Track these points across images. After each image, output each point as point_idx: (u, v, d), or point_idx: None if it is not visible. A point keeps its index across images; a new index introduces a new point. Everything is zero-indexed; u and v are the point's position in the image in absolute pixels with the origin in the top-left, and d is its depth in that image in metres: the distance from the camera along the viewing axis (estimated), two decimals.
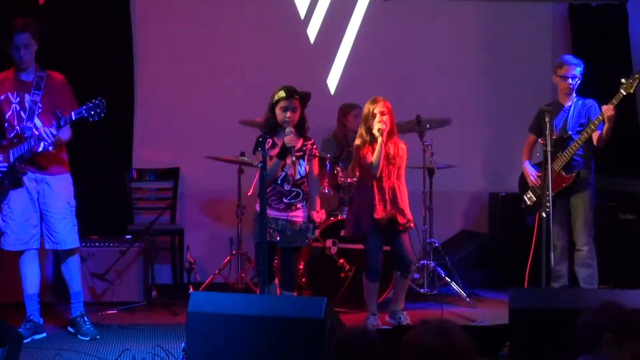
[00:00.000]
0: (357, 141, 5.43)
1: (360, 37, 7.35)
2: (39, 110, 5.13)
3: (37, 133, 5.03)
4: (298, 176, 5.06)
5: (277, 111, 4.98)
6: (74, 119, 4.96)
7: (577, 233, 5.71)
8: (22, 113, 5.13)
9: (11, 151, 5.10)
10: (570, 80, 5.69)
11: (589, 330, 2.83)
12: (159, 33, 7.13)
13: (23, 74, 5.19)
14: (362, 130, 5.42)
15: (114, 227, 6.62)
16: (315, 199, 5.18)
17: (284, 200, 5.07)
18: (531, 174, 5.79)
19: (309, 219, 5.14)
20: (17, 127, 5.13)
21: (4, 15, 6.59)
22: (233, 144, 6.17)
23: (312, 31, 7.32)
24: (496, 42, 7.56)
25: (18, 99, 5.15)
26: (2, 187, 5.14)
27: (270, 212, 4.98)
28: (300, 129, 5.05)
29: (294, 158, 5.00)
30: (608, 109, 5.43)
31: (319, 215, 5.18)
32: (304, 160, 5.08)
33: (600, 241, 5.82)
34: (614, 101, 5.45)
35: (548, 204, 5.06)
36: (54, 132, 4.95)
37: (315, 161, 5.18)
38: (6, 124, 5.18)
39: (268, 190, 4.94)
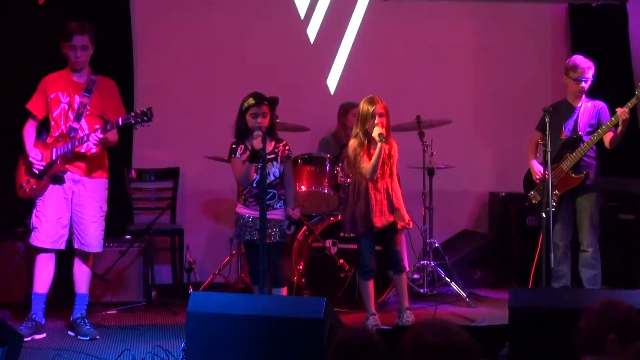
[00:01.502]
0: (353, 142, 5.40)
1: (360, 37, 7.35)
2: (87, 113, 5.21)
3: (81, 134, 5.11)
4: (272, 177, 5.11)
5: (248, 118, 5.06)
6: (120, 124, 5.07)
7: (583, 234, 5.68)
8: (69, 113, 5.20)
9: (54, 149, 5.17)
10: (584, 83, 5.66)
11: (592, 332, 2.78)
12: (158, 33, 7.14)
13: (76, 75, 5.27)
14: (358, 131, 5.39)
15: (113, 227, 6.60)
16: (291, 198, 5.23)
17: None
18: (537, 170, 5.75)
19: (287, 217, 5.19)
20: (63, 127, 5.20)
21: (4, 16, 6.60)
22: None
23: (312, 31, 7.32)
24: (496, 42, 7.56)
25: (67, 99, 5.22)
26: (40, 182, 5.17)
27: (249, 212, 5.10)
28: (271, 132, 5.11)
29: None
30: (624, 112, 5.41)
31: (295, 213, 5.22)
32: (276, 162, 5.12)
33: (601, 241, 5.81)
34: (629, 105, 5.44)
35: (548, 205, 5.06)
36: (99, 136, 5.04)
37: (289, 162, 5.23)
38: (52, 122, 5.24)
39: (244, 192, 5.15)
